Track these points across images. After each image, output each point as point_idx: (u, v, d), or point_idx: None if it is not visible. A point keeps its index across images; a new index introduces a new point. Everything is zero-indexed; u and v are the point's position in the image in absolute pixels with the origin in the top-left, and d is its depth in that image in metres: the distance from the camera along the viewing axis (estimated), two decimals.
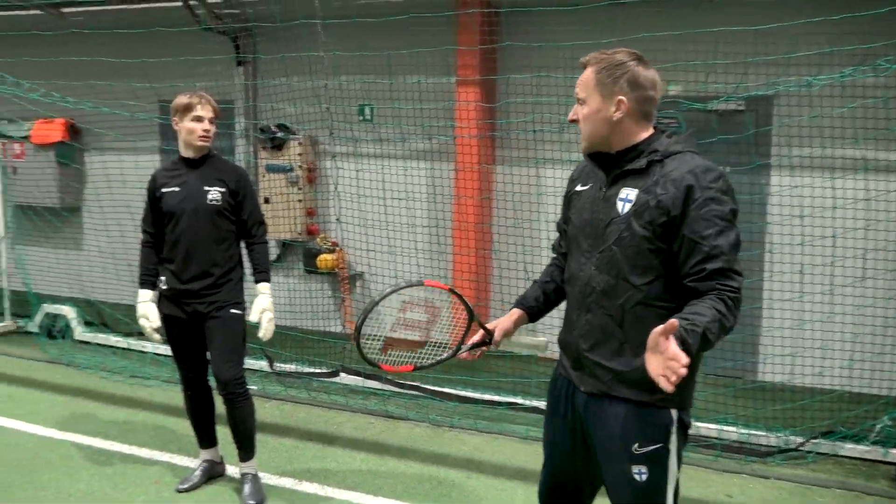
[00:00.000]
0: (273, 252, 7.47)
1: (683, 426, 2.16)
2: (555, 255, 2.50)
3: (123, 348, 6.13)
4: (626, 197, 2.09)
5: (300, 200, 7.10)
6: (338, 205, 6.08)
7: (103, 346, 6.26)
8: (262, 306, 3.65)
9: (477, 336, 2.38)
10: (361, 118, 6.94)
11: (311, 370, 5.62)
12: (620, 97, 2.08)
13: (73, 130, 8.01)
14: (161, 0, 7.00)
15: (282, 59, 6.10)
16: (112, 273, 7.13)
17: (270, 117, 7.14)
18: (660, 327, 1.81)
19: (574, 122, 2.19)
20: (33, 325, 6.61)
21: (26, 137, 7.99)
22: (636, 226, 2.05)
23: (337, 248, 6.87)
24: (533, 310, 2.44)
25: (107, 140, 7.49)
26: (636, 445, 2.10)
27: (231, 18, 7.01)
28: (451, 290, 2.35)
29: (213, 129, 3.59)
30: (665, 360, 1.79)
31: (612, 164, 2.16)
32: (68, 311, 6.49)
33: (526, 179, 5.71)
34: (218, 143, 7.39)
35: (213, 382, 3.71)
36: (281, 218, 7.04)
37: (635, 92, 2.09)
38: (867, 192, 4.56)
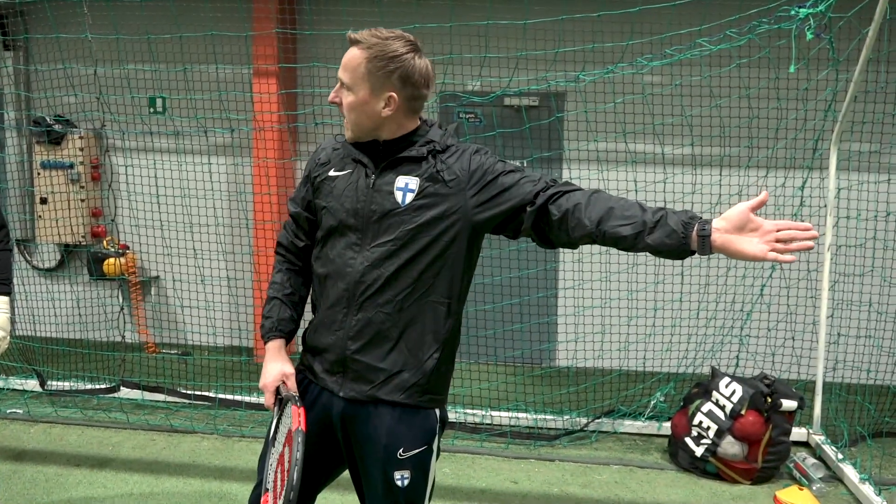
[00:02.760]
0: (53, 258, 6.80)
1: (444, 423, 2.11)
2: (284, 256, 2.20)
3: None
4: (406, 186, 1.93)
5: (83, 200, 6.48)
6: (112, 204, 5.60)
7: None
8: None
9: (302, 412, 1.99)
10: (153, 110, 6.45)
11: (91, 387, 5.13)
12: (391, 93, 1.92)
13: None
14: None
15: (44, 39, 5.50)
16: None
17: (46, 108, 6.46)
18: (750, 203, 1.68)
19: (335, 104, 1.98)
20: None
21: None
22: (423, 217, 1.92)
23: (126, 252, 6.36)
24: (292, 334, 2.17)
25: None
26: (401, 451, 1.99)
27: None
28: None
29: None
30: (766, 233, 1.68)
31: (379, 152, 1.99)
32: None
33: None
34: None
35: None
36: (61, 220, 6.40)
37: (407, 89, 1.93)
38: (636, 184, 4.83)
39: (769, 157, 4.85)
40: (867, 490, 3.82)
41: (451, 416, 4.70)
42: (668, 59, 4.20)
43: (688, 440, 4.21)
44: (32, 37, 6.05)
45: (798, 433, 4.51)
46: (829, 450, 4.32)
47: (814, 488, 3.98)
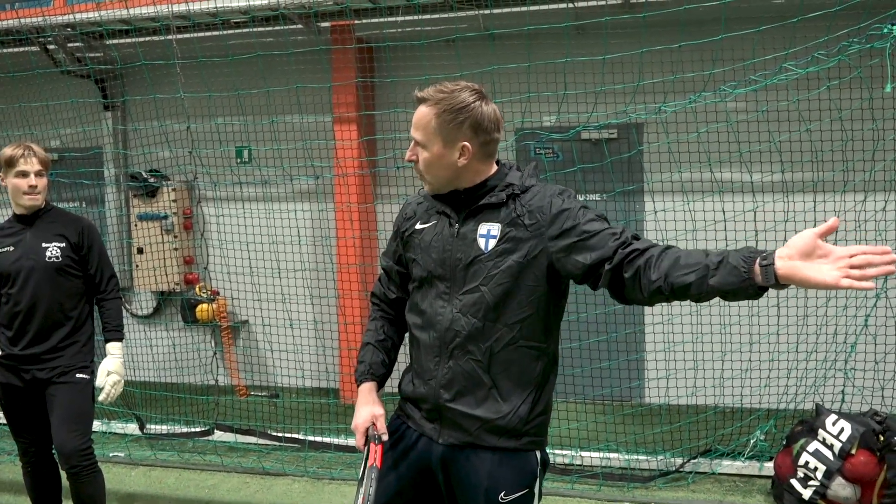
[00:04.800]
0: (150, 305, 7.11)
1: (545, 465, 2.09)
2: (377, 305, 2.28)
3: None
4: (489, 233, 1.96)
5: (176, 249, 6.79)
6: (204, 252, 5.83)
7: None
8: (108, 367, 3.38)
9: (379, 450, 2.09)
10: (240, 160, 6.73)
11: (186, 430, 5.29)
12: (464, 143, 1.96)
13: None
14: (14, 45, 6.61)
15: (141, 100, 5.83)
16: None
17: (142, 163, 6.84)
18: (818, 229, 1.56)
19: (413, 162, 2.03)
20: None
21: None
22: (506, 262, 1.93)
23: (217, 297, 6.58)
24: (384, 377, 2.20)
25: None
26: (503, 494, 1.98)
27: (93, 61, 6.70)
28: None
29: (42, 182, 3.33)
30: (838, 258, 1.55)
31: (461, 200, 2.03)
32: None
33: None
34: (87, 193, 7.11)
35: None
36: (157, 269, 6.71)
37: (479, 136, 1.97)
38: (724, 213, 4.69)
39: (867, 180, 4.62)
40: None
41: None
42: (753, 86, 4.09)
43: (794, 482, 3.98)
44: (131, 98, 6.41)
45: None
46: None
47: None
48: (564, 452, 4.62)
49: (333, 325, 6.13)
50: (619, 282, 1.86)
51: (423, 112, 1.97)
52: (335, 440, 4.96)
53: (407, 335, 2.20)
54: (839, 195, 4.62)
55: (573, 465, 4.54)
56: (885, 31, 3.76)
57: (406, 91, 5.43)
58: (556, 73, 4.71)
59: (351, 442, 4.91)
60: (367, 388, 2.16)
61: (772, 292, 1.66)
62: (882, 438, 3.83)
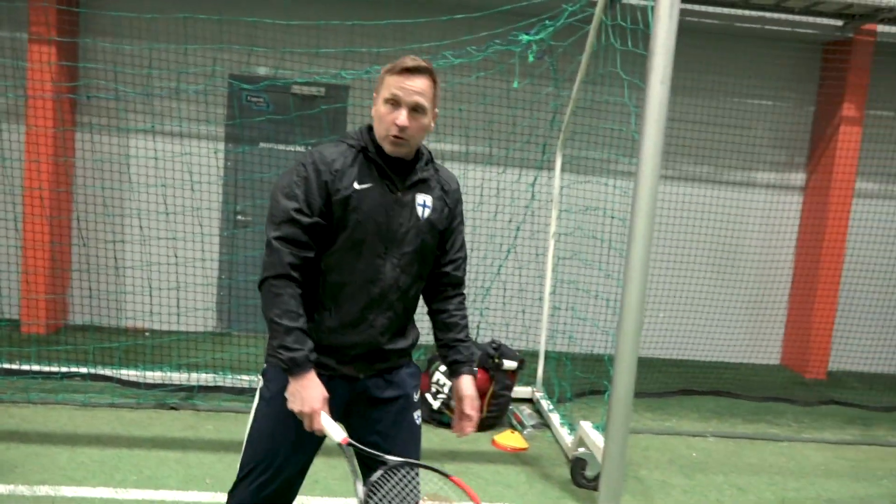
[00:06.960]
0: None
1: None
2: (289, 276, 2.09)
3: None
4: (425, 203, 2.22)
5: None
6: None
7: None
8: None
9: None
10: None
11: None
12: (436, 109, 2.23)
13: None
14: None
15: None
16: None
17: None
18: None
19: (403, 128, 2.09)
20: None
21: None
22: (435, 230, 2.25)
23: None
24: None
25: None
26: (415, 395, 2.33)
27: None
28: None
29: None
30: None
31: (404, 169, 2.20)
32: None
33: (108, 147, 5.64)
34: None
35: None
36: None
37: None
38: None
39: (507, 157, 5.65)
40: (564, 431, 4.67)
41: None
42: None
43: (427, 395, 4.88)
44: None
45: (525, 391, 5.33)
46: (545, 403, 5.17)
47: (525, 432, 4.78)
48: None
49: (16, 251, 5.93)
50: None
51: (425, 82, 2.11)
52: (8, 365, 4.94)
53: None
54: (486, 166, 5.60)
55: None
56: (520, 38, 4.67)
57: (106, 21, 5.39)
58: (275, 32, 5.08)
59: (24, 367, 4.93)
60: (314, 374, 2.09)
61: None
62: (496, 361, 4.84)
